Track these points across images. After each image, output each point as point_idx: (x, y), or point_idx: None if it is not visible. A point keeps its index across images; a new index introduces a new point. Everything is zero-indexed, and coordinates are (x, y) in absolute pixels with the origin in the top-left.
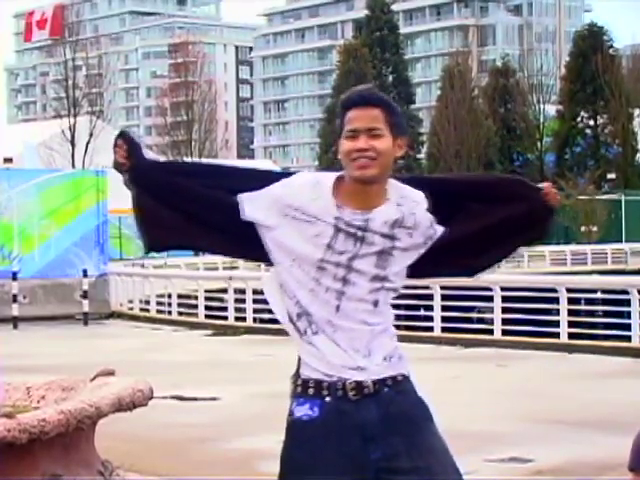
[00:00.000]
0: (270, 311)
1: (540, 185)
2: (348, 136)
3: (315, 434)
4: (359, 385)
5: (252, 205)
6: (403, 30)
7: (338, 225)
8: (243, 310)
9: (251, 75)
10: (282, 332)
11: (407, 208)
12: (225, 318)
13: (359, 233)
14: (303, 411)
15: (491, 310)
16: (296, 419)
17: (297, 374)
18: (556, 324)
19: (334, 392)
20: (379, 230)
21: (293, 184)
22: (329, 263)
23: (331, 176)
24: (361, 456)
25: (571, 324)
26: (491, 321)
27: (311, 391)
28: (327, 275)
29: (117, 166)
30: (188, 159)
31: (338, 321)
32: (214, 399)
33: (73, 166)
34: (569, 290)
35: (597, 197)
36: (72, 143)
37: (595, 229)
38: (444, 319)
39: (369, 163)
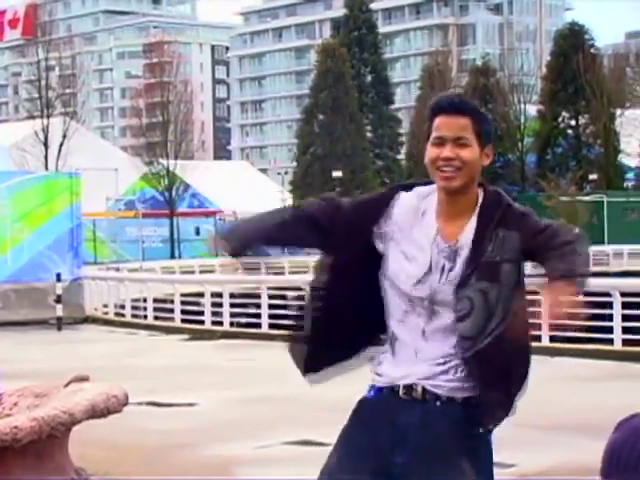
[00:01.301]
0: (247, 315)
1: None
2: (435, 143)
3: (364, 411)
4: (409, 387)
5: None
6: (382, 29)
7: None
8: (220, 314)
9: (227, 75)
10: (259, 336)
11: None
12: (202, 322)
13: (447, 264)
14: (366, 393)
15: None
16: (359, 399)
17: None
18: (537, 327)
19: (390, 387)
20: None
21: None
22: (416, 298)
23: (432, 198)
24: (387, 454)
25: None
26: None
27: (377, 380)
28: (416, 305)
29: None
30: (164, 161)
31: (422, 344)
32: (191, 405)
33: (46, 168)
34: None
35: (579, 198)
36: (45, 145)
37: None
38: None
39: (454, 174)
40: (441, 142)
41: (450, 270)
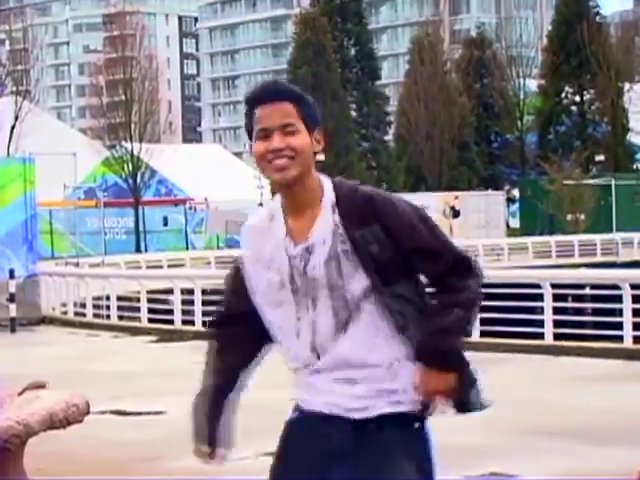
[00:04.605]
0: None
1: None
2: (260, 137)
3: (293, 434)
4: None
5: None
6: None
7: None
8: (191, 313)
9: (197, 49)
10: None
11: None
12: (171, 322)
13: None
14: (291, 415)
15: None
16: (287, 421)
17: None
18: (540, 324)
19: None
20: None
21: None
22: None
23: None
24: (325, 472)
25: (557, 323)
26: None
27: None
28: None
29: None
30: (127, 144)
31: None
32: (159, 413)
33: None
34: (554, 286)
35: (584, 181)
36: None
37: (583, 217)
38: None
39: (288, 163)
40: (266, 134)
41: (305, 270)
